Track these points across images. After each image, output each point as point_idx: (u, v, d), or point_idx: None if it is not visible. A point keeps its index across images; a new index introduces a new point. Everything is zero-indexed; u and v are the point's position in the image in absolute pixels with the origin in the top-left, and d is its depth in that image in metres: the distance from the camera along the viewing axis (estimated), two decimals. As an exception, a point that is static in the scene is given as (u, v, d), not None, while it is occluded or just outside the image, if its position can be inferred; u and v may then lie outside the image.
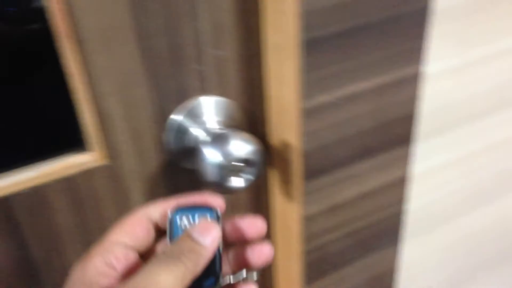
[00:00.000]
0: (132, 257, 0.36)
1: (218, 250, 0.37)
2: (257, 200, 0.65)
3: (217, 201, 0.40)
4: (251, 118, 0.58)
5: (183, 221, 0.38)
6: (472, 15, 0.60)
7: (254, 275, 0.39)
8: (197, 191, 0.41)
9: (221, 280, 0.37)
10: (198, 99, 0.54)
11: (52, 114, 0.53)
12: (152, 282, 0.32)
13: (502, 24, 0.64)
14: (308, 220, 0.64)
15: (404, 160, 0.68)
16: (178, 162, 0.56)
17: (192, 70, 0.52)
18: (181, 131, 0.54)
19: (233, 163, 0.50)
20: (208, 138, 0.52)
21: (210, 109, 0.55)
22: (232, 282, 0.39)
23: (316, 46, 0.51)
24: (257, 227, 0.40)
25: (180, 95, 0.53)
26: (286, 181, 0.61)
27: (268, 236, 0.71)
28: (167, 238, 0.38)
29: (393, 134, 0.64)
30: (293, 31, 0.49)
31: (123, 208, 0.56)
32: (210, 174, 0.50)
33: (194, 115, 0.55)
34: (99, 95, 0.48)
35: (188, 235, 0.35)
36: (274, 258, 0.69)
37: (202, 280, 0.36)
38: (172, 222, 0.38)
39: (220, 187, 0.51)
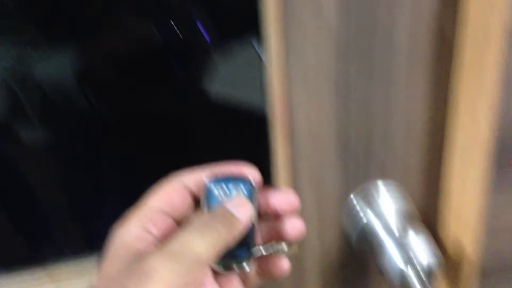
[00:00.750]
0: (169, 223, 0.37)
1: (252, 224, 0.37)
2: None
3: (253, 173, 0.39)
4: (427, 215, 0.58)
5: (219, 190, 0.38)
6: None
7: (285, 247, 0.39)
8: (234, 162, 0.40)
9: (253, 251, 0.37)
10: (378, 185, 0.56)
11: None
12: (186, 246, 0.33)
13: None
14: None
15: None
16: (353, 244, 0.58)
17: (377, 160, 0.54)
18: (358, 215, 0.56)
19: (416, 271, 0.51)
20: (391, 237, 0.54)
21: (389, 197, 0.56)
22: (264, 253, 0.38)
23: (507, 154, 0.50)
24: (290, 201, 0.39)
25: (362, 179, 0.55)
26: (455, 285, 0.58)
27: None
28: (203, 206, 0.38)
29: None
30: (484, 137, 0.49)
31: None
32: (392, 276, 0.52)
33: (373, 201, 0.56)
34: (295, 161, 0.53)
35: (223, 206, 0.36)
36: None
37: (235, 250, 0.36)
38: (208, 191, 0.38)
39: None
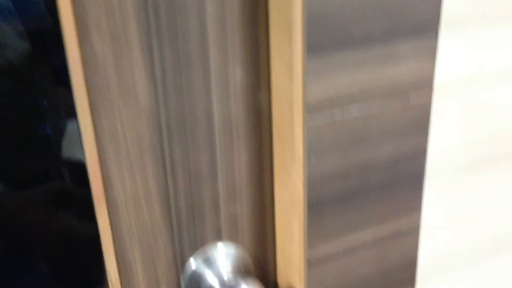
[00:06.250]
0: None
1: None
2: None
3: None
4: (262, 265, 0.63)
5: None
6: (461, 177, 0.67)
7: None
8: None
9: None
10: (214, 247, 0.59)
11: (79, 259, 0.58)
12: None
13: (488, 185, 0.70)
14: None
15: (406, 303, 0.70)
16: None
17: (209, 223, 0.57)
18: (197, 277, 0.59)
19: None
20: None
21: (224, 256, 0.60)
22: None
23: (319, 205, 0.56)
24: None
25: (198, 244, 0.58)
26: (291, 325, 0.64)
27: None
28: None
29: (395, 280, 0.67)
30: (299, 193, 0.55)
31: None
32: None
33: (209, 262, 0.59)
34: (123, 249, 0.53)
35: None
36: None
37: None
38: None
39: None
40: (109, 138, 0.49)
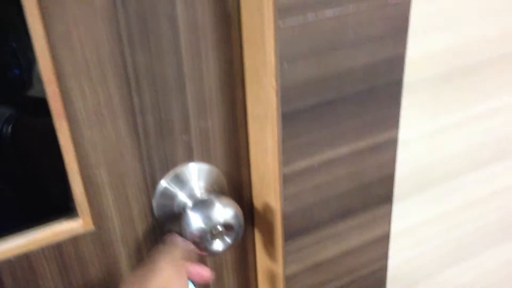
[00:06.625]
0: None
1: None
2: (244, 260, 0.67)
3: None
4: (236, 183, 0.61)
5: None
6: (440, 86, 0.64)
7: None
8: None
9: None
10: (185, 166, 0.56)
11: (44, 183, 0.55)
12: None
13: (469, 94, 0.68)
14: (290, 279, 0.66)
15: (384, 219, 0.70)
16: (166, 226, 0.58)
17: (180, 141, 0.54)
18: (169, 197, 0.57)
19: (214, 227, 0.53)
20: (192, 204, 0.55)
21: (197, 176, 0.58)
22: None
23: (294, 117, 0.54)
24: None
25: (168, 163, 0.55)
26: (268, 242, 0.63)
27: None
28: None
29: (373, 195, 0.67)
30: (272, 104, 0.52)
31: (111, 273, 0.57)
32: (192, 238, 0.53)
33: (182, 182, 0.57)
34: (88, 166, 0.51)
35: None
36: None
37: None
38: None
39: (202, 249, 0.54)
40: (64, 44, 0.44)
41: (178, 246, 0.53)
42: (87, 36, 0.45)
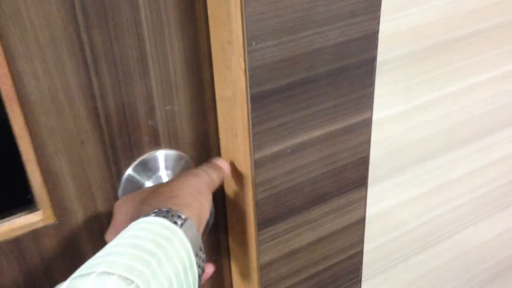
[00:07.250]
0: None
1: None
2: (217, 250, 0.65)
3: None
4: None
5: None
6: (414, 64, 0.63)
7: None
8: None
9: None
10: (152, 153, 0.54)
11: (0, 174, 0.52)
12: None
13: (442, 73, 0.67)
14: (264, 268, 0.64)
15: (359, 203, 0.69)
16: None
17: (145, 126, 0.51)
18: (135, 186, 0.54)
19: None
20: None
21: (164, 163, 0.55)
22: None
23: (264, 99, 0.52)
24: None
25: (134, 150, 0.52)
26: (241, 231, 0.61)
27: (230, 285, 0.70)
28: None
29: (347, 179, 0.65)
30: (241, 86, 0.50)
31: (77, 267, 0.54)
32: None
33: (148, 170, 0.54)
34: (46, 155, 0.47)
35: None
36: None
37: None
38: None
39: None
40: (13, 23, 0.41)
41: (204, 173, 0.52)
42: (38, 14, 0.42)
